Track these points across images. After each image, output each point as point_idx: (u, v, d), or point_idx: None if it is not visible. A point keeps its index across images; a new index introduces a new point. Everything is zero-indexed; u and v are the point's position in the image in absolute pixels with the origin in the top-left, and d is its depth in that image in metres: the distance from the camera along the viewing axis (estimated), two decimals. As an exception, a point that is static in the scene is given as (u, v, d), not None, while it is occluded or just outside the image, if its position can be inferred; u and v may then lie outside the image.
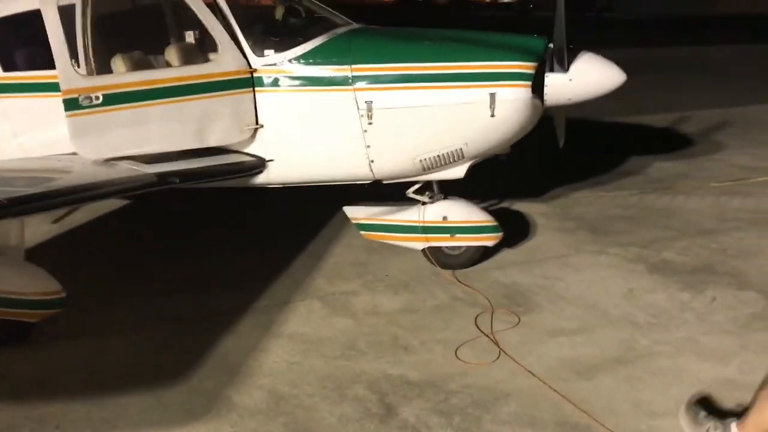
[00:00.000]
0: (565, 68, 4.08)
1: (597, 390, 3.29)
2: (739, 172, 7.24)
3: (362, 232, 4.71)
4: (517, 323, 3.94)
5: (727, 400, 3.16)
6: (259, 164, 4.22)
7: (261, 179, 4.28)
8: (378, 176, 4.28)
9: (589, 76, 4.12)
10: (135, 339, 3.81)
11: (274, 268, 4.69)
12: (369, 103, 4.04)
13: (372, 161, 4.18)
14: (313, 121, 4.17)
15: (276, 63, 4.10)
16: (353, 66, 4.04)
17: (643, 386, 3.31)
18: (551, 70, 4.10)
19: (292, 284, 4.49)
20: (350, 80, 4.05)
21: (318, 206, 5.64)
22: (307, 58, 4.10)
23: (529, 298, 4.26)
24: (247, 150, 4.21)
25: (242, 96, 4.10)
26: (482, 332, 3.82)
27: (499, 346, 3.67)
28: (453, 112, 4.03)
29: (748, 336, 3.77)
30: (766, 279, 4.52)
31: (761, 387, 2.77)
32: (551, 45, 4.17)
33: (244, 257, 4.97)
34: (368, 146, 4.14)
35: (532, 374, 3.42)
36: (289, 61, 4.10)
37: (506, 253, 4.91)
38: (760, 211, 5.96)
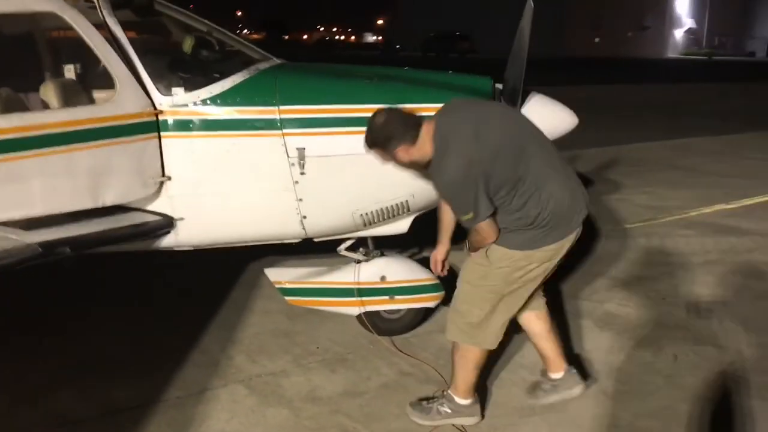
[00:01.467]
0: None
1: (595, 485, 2.82)
2: (645, 212, 7.22)
3: (288, 298, 4.04)
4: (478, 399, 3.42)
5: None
6: (166, 224, 3.48)
7: (169, 242, 3.54)
8: (311, 234, 3.67)
9: (543, 120, 3.72)
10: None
11: (184, 345, 3.92)
12: (301, 150, 3.44)
13: (304, 217, 3.57)
14: (233, 171, 3.50)
15: (187, 103, 3.42)
16: (282, 107, 3.44)
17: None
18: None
19: (207, 365, 3.74)
20: (278, 124, 3.43)
21: (222, 265, 4.91)
22: (226, 98, 3.45)
23: (484, 368, 3.76)
24: (153, 207, 3.47)
25: (145, 143, 3.38)
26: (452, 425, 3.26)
27: (469, 435, 3.13)
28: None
29: (725, 402, 3.46)
30: (715, 330, 4.29)
31: (453, 349, 3.09)
32: (497, 85, 3.77)
33: (145, 334, 4.15)
34: (300, 200, 3.53)
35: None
36: (204, 101, 3.43)
37: (445, 313, 4.39)
38: (681, 254, 5.85)
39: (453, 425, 3.21)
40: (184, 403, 3.36)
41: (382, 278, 3.96)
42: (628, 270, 5.41)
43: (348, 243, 3.98)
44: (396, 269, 3.99)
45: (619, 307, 4.66)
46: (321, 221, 3.60)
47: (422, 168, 3.03)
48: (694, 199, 7.79)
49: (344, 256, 4.04)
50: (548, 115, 3.74)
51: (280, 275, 4.03)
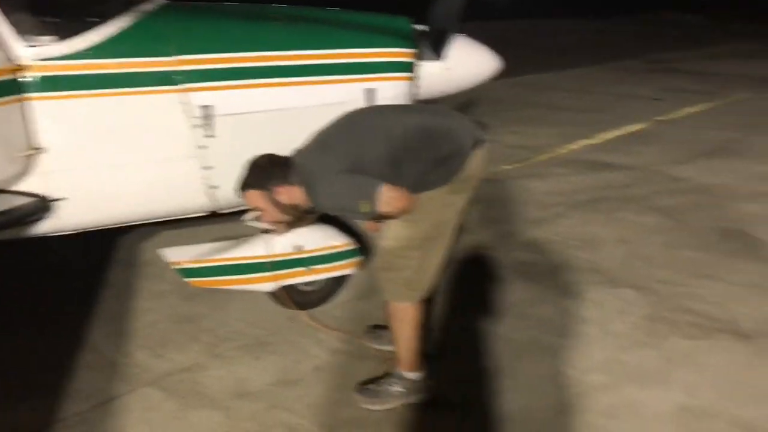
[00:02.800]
0: (442, 55, 3.34)
1: (570, 454, 2.67)
2: (519, 153, 7.24)
3: (189, 280, 3.50)
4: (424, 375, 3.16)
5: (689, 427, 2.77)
6: (40, 207, 2.83)
7: (48, 227, 2.89)
8: (223, 206, 3.17)
9: (467, 64, 3.45)
10: None
11: (68, 346, 3.30)
12: (206, 108, 2.90)
13: (214, 187, 3.05)
14: (122, 137, 2.89)
15: (59, 56, 2.73)
16: (179, 57, 2.86)
17: (616, 437, 2.76)
18: (423, 57, 3.34)
19: (103, 368, 3.17)
20: (176, 77, 2.86)
21: (91, 243, 4.24)
22: (107, 48, 2.80)
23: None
24: (23, 187, 2.79)
25: (6, 108, 2.67)
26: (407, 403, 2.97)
27: (430, 415, 2.86)
28: (320, 115, 3.05)
29: (661, 344, 3.45)
30: (626, 270, 4.32)
31: (390, 320, 2.90)
32: (418, 27, 3.41)
33: (18, 338, 3.45)
34: (208, 167, 3.00)
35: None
36: (79, 52, 2.76)
37: (359, 277, 4.07)
38: (566, 193, 5.90)
39: (408, 404, 2.92)
40: (87, 419, 2.81)
41: (298, 248, 3.54)
42: (523, 214, 5.35)
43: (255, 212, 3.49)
44: (311, 237, 3.57)
45: (528, 254, 4.57)
46: (232, 190, 3.08)
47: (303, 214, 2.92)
48: (560, 136, 7.94)
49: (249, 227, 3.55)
50: (475, 60, 3.45)
51: (178, 255, 3.48)
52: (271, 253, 3.47)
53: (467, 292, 4.00)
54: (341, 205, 2.62)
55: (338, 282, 3.76)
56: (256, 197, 2.77)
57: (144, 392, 3.00)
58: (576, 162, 6.92)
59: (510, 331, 3.57)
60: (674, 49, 17.38)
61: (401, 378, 2.94)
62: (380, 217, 2.69)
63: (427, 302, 2.87)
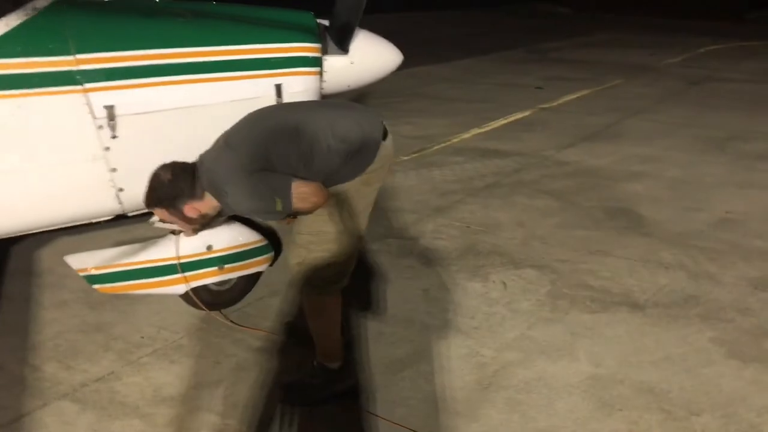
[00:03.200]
0: (346, 49, 3.39)
1: (492, 429, 2.79)
2: (414, 143, 7.39)
3: (97, 286, 3.37)
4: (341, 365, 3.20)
5: (600, 400, 2.98)
6: (-66, 217, 2.65)
7: (-61, 240, 2.71)
8: (129, 209, 3.07)
9: (371, 58, 3.50)
10: None
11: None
12: (110, 108, 2.81)
13: (120, 190, 2.96)
14: (21, 142, 2.75)
15: (-55, 56, 2.57)
16: (79, 56, 2.74)
17: (531, 411, 2.91)
18: (326, 52, 3.37)
19: (11, 384, 3.01)
20: (77, 77, 2.74)
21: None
22: (1, 47, 2.65)
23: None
24: None
25: None
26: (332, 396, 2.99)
27: (356, 407, 2.91)
28: (229, 112, 3.02)
29: (565, 319, 3.67)
30: (526, 251, 4.53)
31: (306, 312, 2.91)
32: (319, 21, 3.43)
33: None
34: (113, 169, 2.91)
35: (412, 430, 2.77)
36: (-32, 52, 2.60)
37: (270, 274, 4.04)
38: (462, 180, 6.10)
39: (333, 396, 2.95)
40: (-1, 440, 2.66)
41: (209, 248, 3.49)
42: (424, 202, 5.49)
43: (162, 213, 3.41)
44: (221, 236, 3.52)
45: (434, 241, 4.71)
46: (141, 192, 2.99)
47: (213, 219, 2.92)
48: (452, 126, 8.16)
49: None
50: (377, 54, 3.52)
51: (83, 261, 3.34)
52: (181, 255, 3.40)
53: (378, 281, 4.07)
54: (255, 207, 2.60)
55: (250, 280, 3.73)
56: (164, 214, 2.76)
57: (58, 406, 2.87)
58: (469, 150, 7.15)
59: (424, 316, 3.67)
60: (551, 39, 18.17)
61: (322, 369, 2.97)
62: (295, 214, 2.70)
63: (342, 292, 2.90)
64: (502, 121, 8.56)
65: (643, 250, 4.56)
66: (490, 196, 5.67)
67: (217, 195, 2.64)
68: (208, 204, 2.71)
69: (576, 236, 4.81)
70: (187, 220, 2.80)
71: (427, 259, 4.41)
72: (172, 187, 2.65)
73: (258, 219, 2.59)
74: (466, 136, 7.80)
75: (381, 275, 4.14)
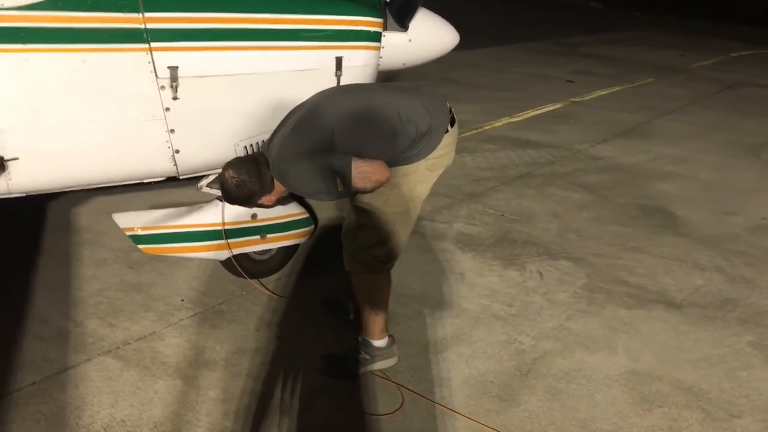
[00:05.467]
0: (405, 26, 3.36)
1: (533, 415, 2.79)
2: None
3: (142, 246, 3.38)
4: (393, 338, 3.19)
5: (640, 395, 2.97)
6: (-7, 167, 2.65)
7: (-1, 188, 2.71)
8: (183, 171, 3.06)
9: (429, 37, 3.48)
10: None
11: (11, 315, 3.14)
12: (173, 69, 2.80)
13: (176, 151, 2.95)
14: (84, 96, 2.74)
15: (16, 6, 2.55)
16: (147, 14, 2.72)
17: (571, 400, 2.91)
18: (385, 27, 3.34)
19: (54, 337, 3.03)
20: (144, 35, 2.73)
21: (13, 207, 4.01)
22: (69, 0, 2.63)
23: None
24: (-26, 146, 2.60)
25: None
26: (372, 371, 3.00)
27: (396, 383, 2.91)
28: (289, 82, 3.03)
29: (602, 313, 3.66)
30: (561, 243, 4.52)
31: (355, 289, 2.92)
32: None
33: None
34: (171, 131, 2.90)
35: (456, 412, 2.77)
36: (41, 3, 2.58)
37: (307, 247, 4.06)
38: (495, 168, 6.08)
39: (373, 372, 2.96)
40: (45, 390, 2.68)
41: (253, 216, 3.49)
42: (457, 187, 5.47)
43: (210, 178, 3.41)
44: (266, 204, 3.52)
45: (468, 227, 4.70)
46: (197, 156, 3.01)
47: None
48: (482, 113, 8.12)
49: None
50: (436, 32, 3.49)
51: (131, 220, 3.34)
52: (226, 221, 3.40)
53: (415, 261, 4.06)
54: (317, 188, 2.59)
55: (288, 251, 3.73)
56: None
57: (101, 361, 2.89)
58: (500, 138, 7.11)
59: (462, 300, 3.67)
60: (578, 33, 18.00)
61: (368, 346, 2.97)
62: (355, 193, 2.69)
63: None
64: (534, 112, 8.51)
65: (678, 250, 4.54)
66: (523, 186, 5.65)
67: (281, 179, 2.65)
68: (278, 190, 2.73)
69: (611, 231, 4.79)
70: (263, 206, 2.88)
71: (462, 244, 4.40)
72: (245, 189, 2.67)
73: (318, 200, 2.59)
74: (497, 124, 7.76)
75: (418, 256, 4.13)
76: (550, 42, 15.76)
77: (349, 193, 2.63)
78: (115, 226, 3.41)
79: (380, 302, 2.92)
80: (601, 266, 4.21)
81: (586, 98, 9.59)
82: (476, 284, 3.86)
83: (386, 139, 2.61)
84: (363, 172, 2.54)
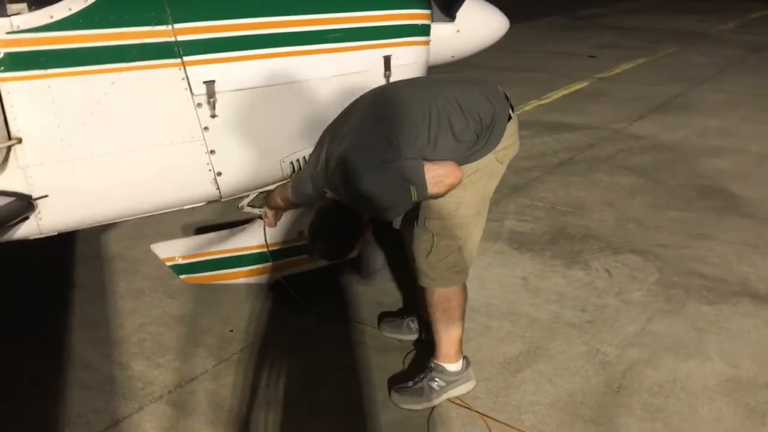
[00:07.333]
0: (452, 16, 3.06)
1: (635, 440, 2.52)
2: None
3: (184, 276, 3.13)
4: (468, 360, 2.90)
5: (747, 407, 2.68)
6: (23, 207, 2.39)
7: (28, 230, 2.45)
8: (227, 194, 2.78)
9: (477, 26, 3.19)
10: None
11: (49, 360, 2.90)
12: (210, 84, 2.52)
13: (219, 174, 2.67)
14: (114, 122, 2.46)
15: (35, 27, 2.28)
16: (177, 26, 2.44)
17: (673, 418, 2.62)
18: (433, 19, 3.05)
19: (100, 384, 2.79)
20: (175, 48, 2.45)
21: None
22: (93, 16, 2.35)
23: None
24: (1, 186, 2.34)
25: (-27, 92, 2.21)
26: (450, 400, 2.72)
27: (480, 413, 2.64)
28: (335, 87, 2.74)
29: (683, 312, 3.36)
30: (622, 235, 4.22)
31: (429, 310, 2.66)
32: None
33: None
34: (212, 152, 2.62)
35: (545, 440, 2.50)
36: (61, 22, 2.31)
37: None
38: (534, 156, 5.78)
39: (450, 400, 2.69)
40: (95, 450, 2.43)
41: (300, 234, 3.22)
42: (501, 180, 5.15)
43: (250, 197, 3.15)
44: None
45: (520, 224, 4.41)
46: (241, 177, 2.73)
47: None
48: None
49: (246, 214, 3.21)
50: (484, 21, 3.19)
51: (170, 250, 3.10)
52: (271, 242, 3.14)
53: (477, 267, 3.77)
54: (390, 202, 2.26)
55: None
56: None
57: (154, 409, 2.64)
58: (533, 123, 6.79)
59: (529, 308, 3.39)
60: (593, 5, 17.51)
61: (443, 372, 2.70)
62: (429, 199, 2.41)
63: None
64: (561, 92, 8.19)
65: (747, 234, 4.23)
66: (567, 174, 5.35)
67: (353, 202, 2.32)
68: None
69: (671, 218, 4.49)
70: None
71: (518, 243, 4.11)
72: (345, 242, 2.60)
73: (385, 219, 2.30)
74: (526, 108, 7.44)
75: (474, 261, 3.84)
76: (565, 16, 15.35)
77: (424, 199, 2.34)
78: (150, 252, 3.18)
79: (457, 319, 2.65)
80: (670, 258, 3.91)
81: (612, 73, 9.24)
82: (541, 288, 3.58)
83: (453, 137, 2.34)
84: (437, 176, 2.27)
